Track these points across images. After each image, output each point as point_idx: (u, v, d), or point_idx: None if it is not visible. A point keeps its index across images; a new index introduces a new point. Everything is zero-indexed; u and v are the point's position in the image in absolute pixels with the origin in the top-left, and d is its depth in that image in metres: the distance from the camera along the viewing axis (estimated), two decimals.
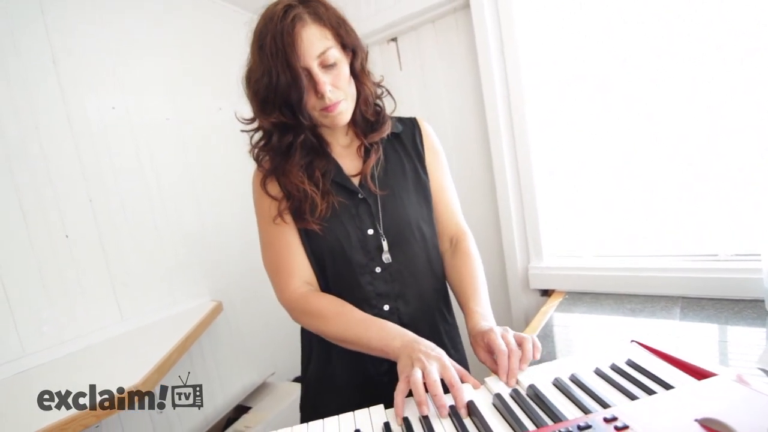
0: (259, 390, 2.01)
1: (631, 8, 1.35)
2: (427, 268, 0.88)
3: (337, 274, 0.84)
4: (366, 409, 0.63)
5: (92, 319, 1.47)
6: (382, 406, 0.64)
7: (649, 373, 0.61)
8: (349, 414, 0.63)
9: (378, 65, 1.92)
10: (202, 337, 1.68)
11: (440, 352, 0.66)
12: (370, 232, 0.83)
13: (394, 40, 1.87)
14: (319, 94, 0.75)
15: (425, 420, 0.58)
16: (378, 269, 0.83)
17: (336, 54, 0.75)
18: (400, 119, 0.94)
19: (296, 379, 2.07)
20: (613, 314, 1.30)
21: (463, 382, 0.64)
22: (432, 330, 0.88)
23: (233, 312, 1.95)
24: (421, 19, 1.76)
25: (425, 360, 0.64)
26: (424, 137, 0.93)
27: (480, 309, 0.80)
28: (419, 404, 0.59)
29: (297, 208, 0.81)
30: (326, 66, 0.75)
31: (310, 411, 0.92)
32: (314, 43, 0.72)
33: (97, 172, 1.52)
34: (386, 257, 0.83)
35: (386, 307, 0.84)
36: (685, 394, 0.55)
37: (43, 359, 1.33)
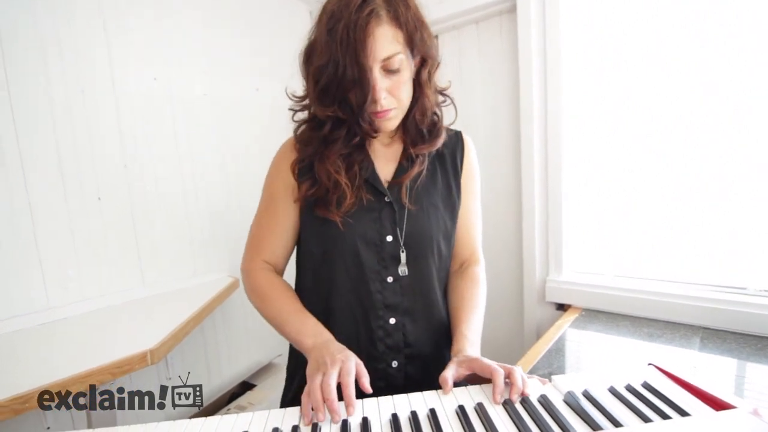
0: (265, 369, 2.04)
1: (683, 28, 1.31)
2: (438, 287, 0.86)
3: (347, 277, 0.80)
4: (375, 398, 0.64)
5: (115, 280, 1.52)
6: (391, 397, 0.64)
7: (665, 398, 0.60)
8: (358, 401, 0.64)
9: None
10: (216, 311, 1.72)
11: (347, 356, 0.66)
12: (389, 239, 0.79)
13: (436, 37, 1.86)
14: (372, 99, 0.70)
15: (432, 412, 0.58)
16: (390, 279, 0.80)
17: (402, 60, 0.70)
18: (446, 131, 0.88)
19: None
20: (630, 336, 1.27)
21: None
22: (436, 353, 0.85)
23: None
24: (465, 18, 1.74)
25: (329, 365, 0.64)
26: (465, 155, 0.88)
27: (469, 335, 0.77)
28: (315, 410, 0.59)
29: (322, 198, 0.78)
30: (388, 70, 0.70)
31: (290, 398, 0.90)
32: (384, 45, 0.67)
33: (134, 139, 1.57)
34: (402, 270, 0.80)
35: (392, 321, 0.80)
36: (701, 423, 0.54)
37: (65, 314, 1.38)
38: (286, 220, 0.84)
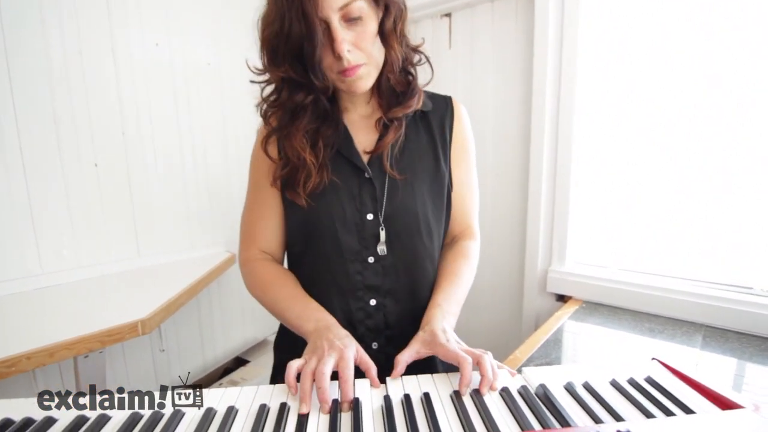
0: (259, 346, 2.04)
1: (701, 24, 1.26)
2: (428, 266, 0.80)
3: (323, 257, 0.76)
4: (366, 379, 0.61)
5: (110, 249, 1.50)
6: (396, 380, 0.62)
7: (670, 394, 0.58)
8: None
9: (427, 40, 1.85)
10: (212, 285, 1.70)
11: (346, 343, 0.61)
12: (370, 217, 0.74)
13: (448, 15, 1.80)
14: (336, 54, 0.64)
15: (426, 396, 0.56)
16: (371, 259, 0.75)
17: (363, 6, 0.64)
18: (433, 96, 0.82)
19: None
20: (630, 331, 1.25)
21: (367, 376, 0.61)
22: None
23: None
24: None
25: (326, 350, 0.60)
26: (456, 122, 0.81)
27: (444, 304, 0.72)
28: (300, 400, 0.55)
29: (290, 177, 0.73)
30: (349, 20, 0.64)
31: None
32: None
33: (134, 106, 1.53)
34: (381, 249, 0.75)
35: (372, 302, 0.77)
36: (707, 421, 0.51)
37: (59, 280, 1.36)
38: (275, 205, 0.79)
